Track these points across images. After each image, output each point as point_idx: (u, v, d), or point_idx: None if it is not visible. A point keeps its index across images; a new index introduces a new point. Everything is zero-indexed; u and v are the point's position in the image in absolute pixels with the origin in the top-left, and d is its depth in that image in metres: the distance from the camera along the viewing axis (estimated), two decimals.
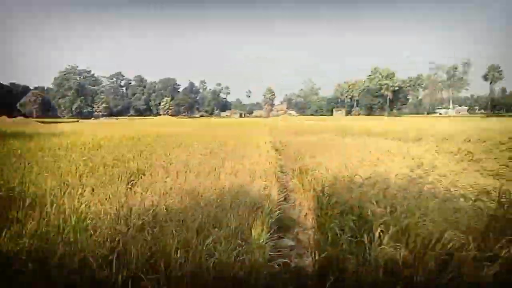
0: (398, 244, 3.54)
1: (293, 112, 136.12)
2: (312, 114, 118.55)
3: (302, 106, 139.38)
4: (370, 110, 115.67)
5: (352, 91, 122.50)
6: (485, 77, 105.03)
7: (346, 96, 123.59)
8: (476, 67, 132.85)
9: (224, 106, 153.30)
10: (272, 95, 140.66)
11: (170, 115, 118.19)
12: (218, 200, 5.35)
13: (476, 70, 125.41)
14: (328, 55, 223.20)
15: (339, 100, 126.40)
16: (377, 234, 3.65)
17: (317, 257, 4.07)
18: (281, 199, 7.15)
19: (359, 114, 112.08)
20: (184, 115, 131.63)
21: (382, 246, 3.53)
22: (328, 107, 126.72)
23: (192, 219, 4.44)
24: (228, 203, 5.28)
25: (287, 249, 5.13)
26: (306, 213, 6.32)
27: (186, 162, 8.70)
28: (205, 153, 10.66)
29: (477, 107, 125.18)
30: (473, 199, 4.52)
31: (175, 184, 6.31)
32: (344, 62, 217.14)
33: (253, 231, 4.15)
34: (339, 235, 3.99)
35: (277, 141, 16.83)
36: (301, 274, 4.20)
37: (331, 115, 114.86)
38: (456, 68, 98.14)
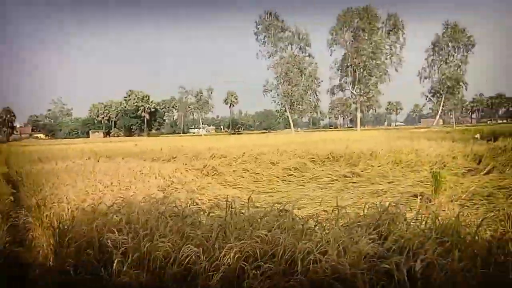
0: (137, 271, 3.48)
1: (41, 135, 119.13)
2: (66, 137, 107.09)
3: (52, 128, 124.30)
4: (130, 131, 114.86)
5: (109, 112, 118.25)
6: (225, 101, 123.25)
7: (103, 118, 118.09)
8: (218, 92, 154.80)
9: None
10: (11, 116, 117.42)
11: None
12: None
13: (219, 95, 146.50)
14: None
15: (96, 121, 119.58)
16: (115, 265, 3.49)
17: None
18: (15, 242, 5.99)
19: (118, 136, 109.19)
20: None
21: (121, 277, 3.40)
22: (84, 129, 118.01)
23: None
24: None
25: None
26: (47, 255, 5.48)
27: None
28: None
29: (222, 126, 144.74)
30: (207, 212, 5.03)
31: None
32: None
33: None
34: (74, 274, 3.59)
35: (13, 171, 14.09)
36: None
37: (88, 137, 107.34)
38: (201, 93, 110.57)
